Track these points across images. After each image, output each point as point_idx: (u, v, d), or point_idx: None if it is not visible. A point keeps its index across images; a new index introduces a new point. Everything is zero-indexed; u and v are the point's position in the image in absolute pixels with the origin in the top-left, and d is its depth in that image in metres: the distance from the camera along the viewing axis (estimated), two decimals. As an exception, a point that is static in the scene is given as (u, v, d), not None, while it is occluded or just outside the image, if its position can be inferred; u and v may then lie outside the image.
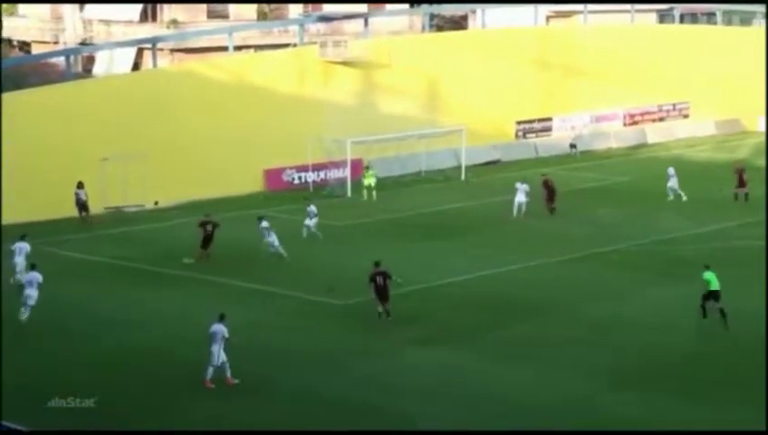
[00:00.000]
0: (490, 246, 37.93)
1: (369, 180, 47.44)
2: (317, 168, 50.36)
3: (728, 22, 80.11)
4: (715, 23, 76.26)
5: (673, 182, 45.88)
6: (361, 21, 59.05)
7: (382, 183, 49.42)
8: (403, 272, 34.30)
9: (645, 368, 26.10)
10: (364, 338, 28.17)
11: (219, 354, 24.61)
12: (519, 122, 59.91)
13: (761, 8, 78.80)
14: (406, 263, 35.29)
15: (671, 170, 46.24)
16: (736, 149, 61.48)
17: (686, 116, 67.06)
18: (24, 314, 28.90)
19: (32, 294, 28.90)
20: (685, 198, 45.10)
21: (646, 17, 77.58)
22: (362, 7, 67.02)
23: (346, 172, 49.22)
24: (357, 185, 48.64)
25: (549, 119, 61.19)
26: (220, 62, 52.87)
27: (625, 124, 64.55)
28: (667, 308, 30.74)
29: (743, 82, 66.93)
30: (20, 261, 32.01)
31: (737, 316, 29.83)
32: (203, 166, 47.16)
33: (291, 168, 50.26)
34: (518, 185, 42.93)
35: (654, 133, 64.76)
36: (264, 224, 36.38)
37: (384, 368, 26.07)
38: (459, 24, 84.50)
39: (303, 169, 50.22)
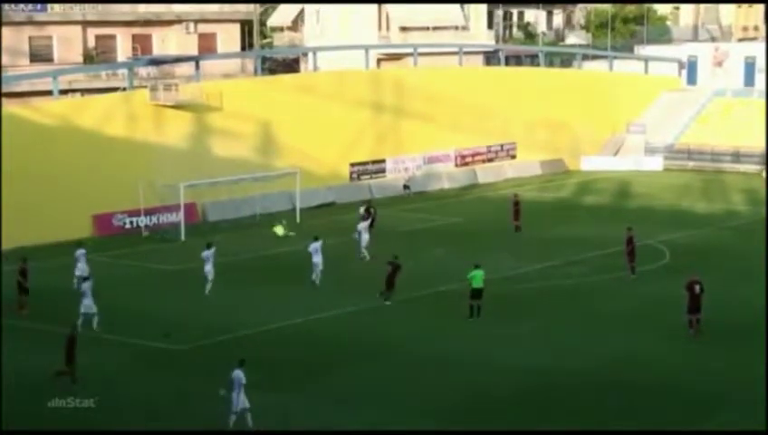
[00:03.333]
0: (327, 289, 37.93)
1: (282, 230, 47.68)
2: (149, 212, 49.51)
3: (550, 63, 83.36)
4: (538, 64, 79.18)
5: (362, 226, 42.83)
6: (192, 64, 58.58)
7: (216, 227, 48.99)
8: (239, 316, 34.05)
9: (473, 406, 26.53)
10: (202, 383, 27.65)
11: (239, 401, 24.16)
12: (353, 164, 60.49)
13: (580, 50, 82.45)
14: (241, 307, 34.96)
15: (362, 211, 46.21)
16: (561, 189, 63.72)
17: (513, 157, 69.10)
18: None
19: None
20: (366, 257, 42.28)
21: (474, 59, 79.94)
22: (193, 50, 66.53)
23: (179, 216, 48.57)
24: (190, 229, 48.04)
25: (382, 160, 62.02)
26: (45, 106, 51.38)
27: (456, 165, 66.04)
28: (494, 346, 31.41)
29: (564, 122, 69.57)
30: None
31: (563, 353, 30.82)
32: (27, 212, 45.60)
33: (122, 212, 49.24)
34: (312, 245, 38.56)
35: (484, 174, 66.47)
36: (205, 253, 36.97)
37: (219, 414, 25.64)
38: (291, 67, 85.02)
39: (135, 213, 49.28)
